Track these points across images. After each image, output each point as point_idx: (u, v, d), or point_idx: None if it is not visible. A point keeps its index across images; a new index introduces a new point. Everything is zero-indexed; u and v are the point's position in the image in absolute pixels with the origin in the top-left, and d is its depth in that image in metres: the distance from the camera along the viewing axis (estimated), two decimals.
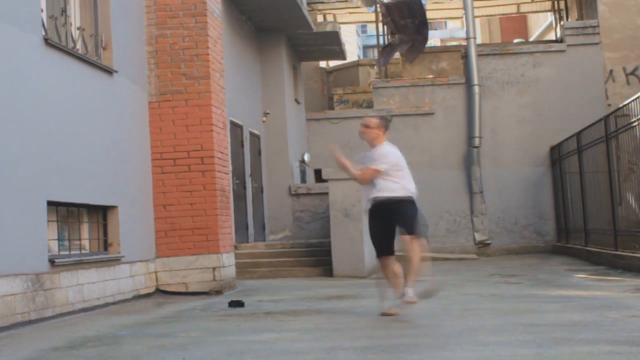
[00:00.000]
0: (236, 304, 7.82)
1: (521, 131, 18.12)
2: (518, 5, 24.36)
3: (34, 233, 6.75)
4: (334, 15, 24.28)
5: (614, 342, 4.72)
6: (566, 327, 5.50)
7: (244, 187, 14.49)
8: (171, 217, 9.43)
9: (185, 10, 9.59)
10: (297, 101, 18.20)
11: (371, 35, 55.17)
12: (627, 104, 11.25)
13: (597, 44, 17.92)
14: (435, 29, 55.92)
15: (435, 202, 17.23)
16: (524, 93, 18.24)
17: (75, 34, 8.04)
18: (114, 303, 8.18)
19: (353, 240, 12.06)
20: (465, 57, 18.21)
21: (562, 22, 21.03)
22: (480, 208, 17.89)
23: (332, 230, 12.22)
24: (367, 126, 7.01)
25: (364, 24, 37.41)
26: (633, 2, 17.88)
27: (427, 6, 22.88)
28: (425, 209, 7.17)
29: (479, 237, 17.88)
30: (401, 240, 6.76)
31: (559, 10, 22.02)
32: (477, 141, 17.89)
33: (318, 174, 17.61)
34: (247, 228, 14.46)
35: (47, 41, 7.10)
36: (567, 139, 16.01)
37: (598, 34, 17.91)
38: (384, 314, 6.73)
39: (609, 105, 17.17)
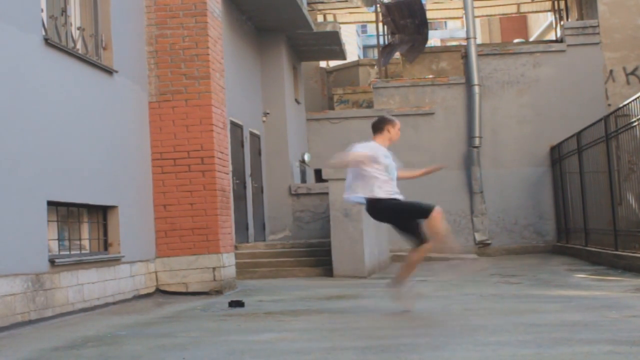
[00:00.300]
0: (236, 304, 7.82)
1: (521, 131, 18.13)
2: (518, 5, 24.37)
3: (34, 233, 6.75)
4: (334, 15, 24.29)
5: (614, 342, 4.72)
6: (566, 327, 5.50)
7: (244, 187, 14.49)
8: (171, 217, 9.43)
9: (186, 10, 9.59)
10: (297, 101, 18.20)
11: (371, 35, 55.20)
12: (627, 104, 11.25)
13: (597, 44, 17.93)
14: (435, 29, 55.94)
15: (435, 202, 17.17)
16: (524, 93, 18.25)
17: (75, 34, 8.04)
18: (114, 303, 8.18)
19: (353, 240, 12.05)
20: (465, 57, 18.22)
21: (562, 22, 21.04)
22: (481, 208, 17.90)
23: (332, 230, 12.22)
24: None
25: (364, 24, 37.41)
26: (633, 2, 17.88)
27: (427, 6, 22.89)
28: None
29: (479, 237, 17.89)
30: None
31: (559, 10, 22.03)
32: (477, 141, 17.90)
33: (318, 174, 17.61)
34: (247, 228, 14.46)
35: (47, 41, 7.10)
36: (567, 139, 16.01)
37: (598, 34, 17.92)
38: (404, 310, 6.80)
39: (609, 105, 17.18)
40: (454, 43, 39.91)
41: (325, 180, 12.89)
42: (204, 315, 7.26)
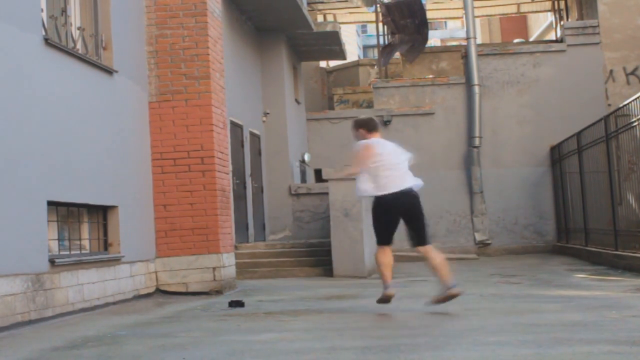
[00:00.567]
0: (236, 304, 7.82)
1: (521, 131, 18.12)
2: (518, 5, 24.37)
3: (34, 233, 6.75)
4: (334, 15, 24.29)
5: (614, 342, 4.72)
6: (566, 327, 5.50)
7: (244, 187, 14.49)
8: (171, 217, 9.43)
9: (186, 10, 9.59)
10: (297, 101, 18.20)
11: (371, 35, 55.17)
12: (627, 104, 11.25)
13: (597, 44, 17.93)
14: (435, 29, 55.91)
15: (435, 202, 17.22)
16: (524, 93, 18.25)
17: (76, 34, 8.04)
18: (114, 303, 8.18)
19: (353, 240, 12.06)
20: (466, 57, 18.21)
21: (562, 22, 21.04)
22: (481, 208, 17.89)
23: (332, 230, 12.22)
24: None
25: (364, 24, 37.42)
26: (633, 2, 17.88)
27: (427, 6, 22.88)
28: (426, 209, 7.17)
29: (479, 237, 17.89)
30: (418, 250, 7.02)
31: (559, 10, 22.03)
32: (477, 141, 17.90)
33: (318, 174, 17.62)
34: (247, 228, 14.46)
35: (47, 41, 7.10)
36: (567, 139, 16.01)
37: (598, 34, 17.92)
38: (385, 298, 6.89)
39: (609, 105, 17.17)
40: (454, 43, 39.91)
41: (325, 180, 12.90)
42: (204, 315, 7.26)
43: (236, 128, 14.16)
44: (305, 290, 9.77)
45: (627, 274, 10.53)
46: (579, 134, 14.69)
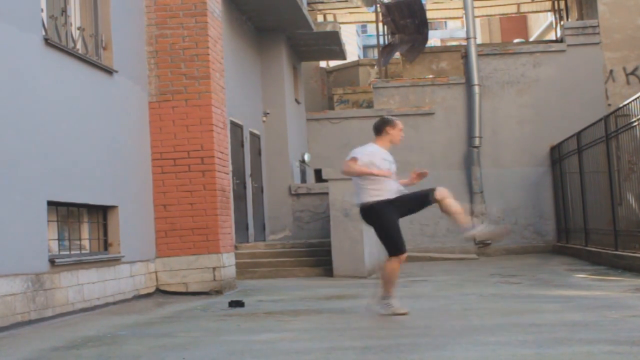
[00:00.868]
0: (236, 304, 7.82)
1: (521, 131, 18.12)
2: (518, 5, 24.37)
3: (34, 233, 6.75)
4: (334, 15, 24.29)
5: (614, 342, 4.72)
6: (566, 327, 5.50)
7: (244, 187, 14.49)
8: (171, 217, 9.43)
9: (185, 10, 9.59)
10: (297, 101, 18.20)
11: (371, 35, 55.19)
12: (627, 104, 11.25)
13: (597, 44, 17.93)
14: (435, 29, 55.95)
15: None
16: (524, 93, 18.24)
17: (76, 34, 8.04)
18: (114, 303, 8.18)
19: (353, 240, 12.05)
20: (466, 57, 18.21)
21: (562, 22, 21.04)
22: (480, 208, 17.89)
23: (332, 230, 12.22)
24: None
25: (364, 24, 37.42)
26: (633, 2, 17.88)
27: (427, 6, 22.89)
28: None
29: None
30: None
31: (559, 10, 22.03)
32: (477, 141, 17.90)
33: (318, 174, 17.61)
34: (247, 228, 14.46)
35: (47, 41, 7.10)
36: (567, 139, 16.01)
37: (598, 34, 17.92)
38: (395, 314, 6.67)
39: (609, 105, 17.17)
40: (454, 43, 39.93)
41: (325, 180, 12.89)
42: (204, 315, 7.26)
43: (236, 128, 14.16)
44: (305, 290, 9.77)
45: (627, 274, 10.53)
46: (579, 134, 14.68)
